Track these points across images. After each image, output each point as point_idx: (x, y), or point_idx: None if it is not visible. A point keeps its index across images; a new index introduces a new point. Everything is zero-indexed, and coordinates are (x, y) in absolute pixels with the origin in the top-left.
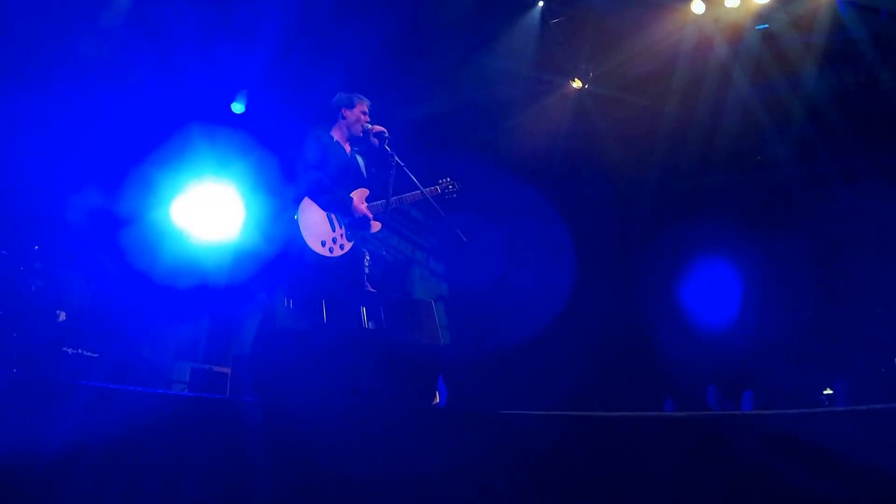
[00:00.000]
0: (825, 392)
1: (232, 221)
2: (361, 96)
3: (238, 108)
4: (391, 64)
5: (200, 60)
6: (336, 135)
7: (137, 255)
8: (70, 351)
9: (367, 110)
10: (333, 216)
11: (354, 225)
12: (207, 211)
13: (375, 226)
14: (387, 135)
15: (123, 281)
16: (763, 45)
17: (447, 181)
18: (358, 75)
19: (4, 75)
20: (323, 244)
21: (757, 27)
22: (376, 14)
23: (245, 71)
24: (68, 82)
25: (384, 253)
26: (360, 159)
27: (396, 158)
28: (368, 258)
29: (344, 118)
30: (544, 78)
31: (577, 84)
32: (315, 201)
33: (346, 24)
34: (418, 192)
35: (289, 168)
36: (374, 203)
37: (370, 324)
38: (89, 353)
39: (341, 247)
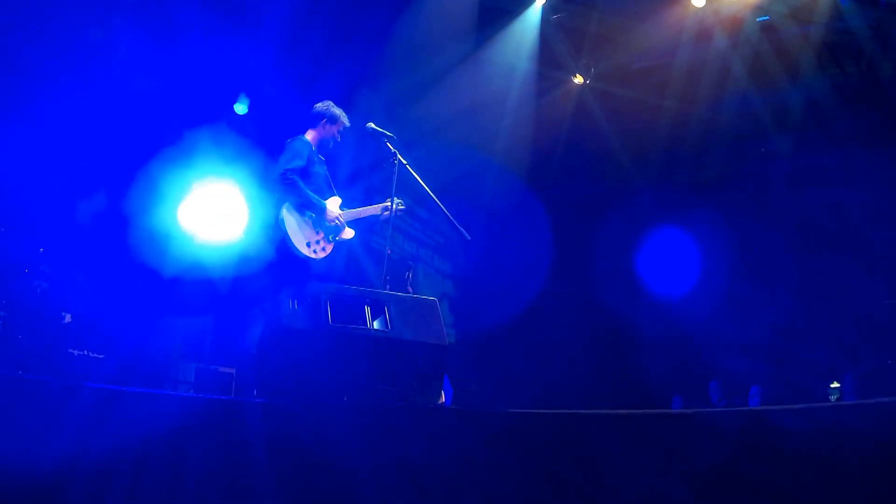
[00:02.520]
0: (832, 386)
1: (236, 222)
2: (344, 115)
3: (241, 108)
4: (392, 62)
5: (203, 61)
6: (311, 140)
7: (142, 257)
8: (76, 352)
9: (342, 130)
10: (313, 220)
11: (329, 230)
12: (212, 212)
13: (348, 233)
14: (390, 134)
15: (128, 282)
16: (763, 36)
17: (398, 202)
18: (360, 75)
19: (10, 78)
20: (308, 245)
21: (757, 19)
22: (378, 12)
23: (247, 71)
24: (73, 84)
25: (388, 251)
26: (326, 170)
27: (399, 157)
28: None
29: (323, 128)
30: (546, 74)
31: (578, 80)
32: (290, 203)
33: (348, 23)
34: (369, 209)
35: (273, 171)
36: (348, 211)
37: (375, 323)
38: (95, 355)
39: (323, 249)
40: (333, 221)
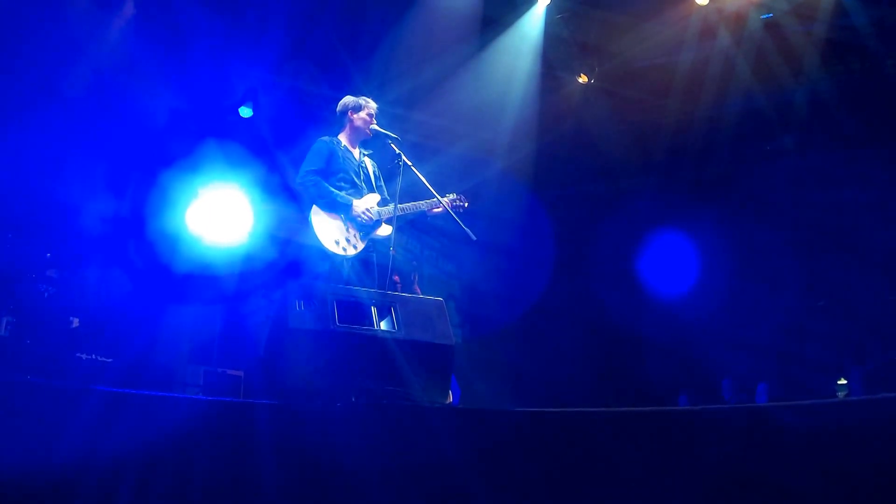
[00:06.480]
0: (839, 382)
1: (241, 225)
2: (368, 99)
3: (246, 112)
4: (396, 64)
5: (209, 65)
6: (344, 139)
7: (149, 260)
8: (84, 356)
9: (373, 112)
10: (343, 217)
11: (363, 226)
12: (217, 215)
13: (385, 229)
14: (394, 136)
15: (136, 286)
16: (766, 34)
17: (459, 198)
18: (364, 79)
19: (18, 83)
20: (337, 243)
21: (761, 17)
22: (381, 16)
23: (251, 77)
24: (78, 88)
25: (392, 251)
26: (370, 164)
27: (404, 158)
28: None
29: (350, 122)
30: (550, 74)
31: (583, 79)
32: (316, 204)
33: (351, 27)
34: (424, 203)
35: (296, 172)
36: (384, 208)
37: (382, 323)
38: (103, 359)
39: (354, 246)
40: (361, 217)
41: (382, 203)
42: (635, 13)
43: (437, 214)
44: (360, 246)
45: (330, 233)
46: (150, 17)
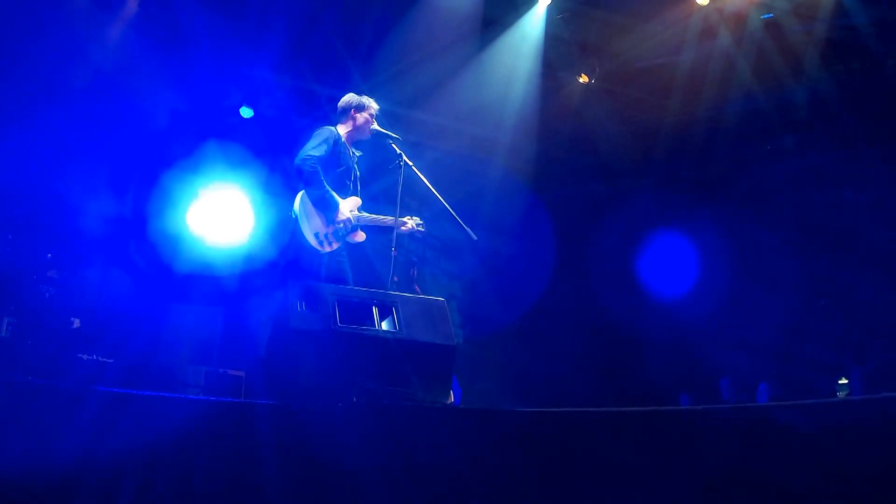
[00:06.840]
0: (840, 382)
1: (242, 225)
2: (371, 100)
3: (247, 112)
4: (397, 64)
5: (209, 65)
6: (343, 135)
7: (150, 261)
8: (85, 357)
9: (374, 114)
10: (325, 216)
11: (339, 229)
12: (218, 215)
13: (359, 236)
14: (394, 136)
15: (137, 286)
16: (766, 34)
17: (421, 224)
18: (364, 79)
19: (19, 84)
20: (316, 236)
21: (761, 17)
22: (382, 16)
23: (254, 75)
24: (80, 89)
25: (393, 251)
26: (357, 167)
27: (405, 158)
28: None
29: (353, 119)
30: (550, 74)
31: (583, 79)
32: (307, 192)
33: (351, 28)
34: (388, 219)
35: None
36: (364, 215)
37: (383, 323)
38: (104, 359)
39: (330, 244)
40: (340, 223)
41: (360, 208)
42: (635, 13)
43: (403, 232)
44: (335, 246)
45: (311, 225)
46: (150, 17)
